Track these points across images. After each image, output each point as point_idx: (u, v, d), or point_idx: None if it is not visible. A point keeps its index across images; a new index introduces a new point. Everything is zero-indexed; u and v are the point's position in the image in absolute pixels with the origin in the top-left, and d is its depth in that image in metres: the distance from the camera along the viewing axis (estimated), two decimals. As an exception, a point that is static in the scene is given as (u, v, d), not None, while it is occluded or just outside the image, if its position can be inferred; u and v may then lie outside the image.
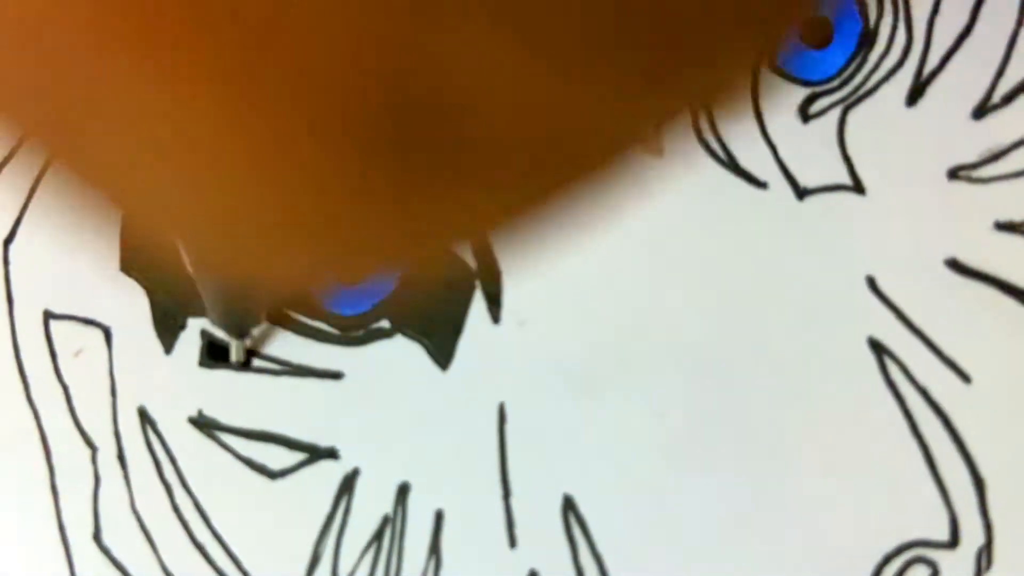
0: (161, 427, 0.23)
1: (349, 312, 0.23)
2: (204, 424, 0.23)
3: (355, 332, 0.23)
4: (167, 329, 0.23)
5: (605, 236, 0.22)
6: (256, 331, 0.23)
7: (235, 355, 0.23)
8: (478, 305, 0.23)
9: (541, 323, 0.23)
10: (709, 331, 0.22)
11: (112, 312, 0.23)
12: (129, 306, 0.23)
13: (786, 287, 0.22)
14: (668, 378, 0.22)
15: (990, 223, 0.22)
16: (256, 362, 0.23)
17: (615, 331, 0.22)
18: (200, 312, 0.23)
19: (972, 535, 0.21)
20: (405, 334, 0.23)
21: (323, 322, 0.23)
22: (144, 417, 0.23)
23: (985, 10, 0.22)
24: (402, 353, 0.23)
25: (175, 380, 0.23)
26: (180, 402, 0.23)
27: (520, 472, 0.22)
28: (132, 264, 0.24)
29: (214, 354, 0.23)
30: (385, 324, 0.23)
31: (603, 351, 0.22)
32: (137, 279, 0.24)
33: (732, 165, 0.23)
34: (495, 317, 0.23)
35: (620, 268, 0.22)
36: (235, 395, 0.23)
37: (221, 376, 0.23)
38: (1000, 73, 0.22)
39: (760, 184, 0.22)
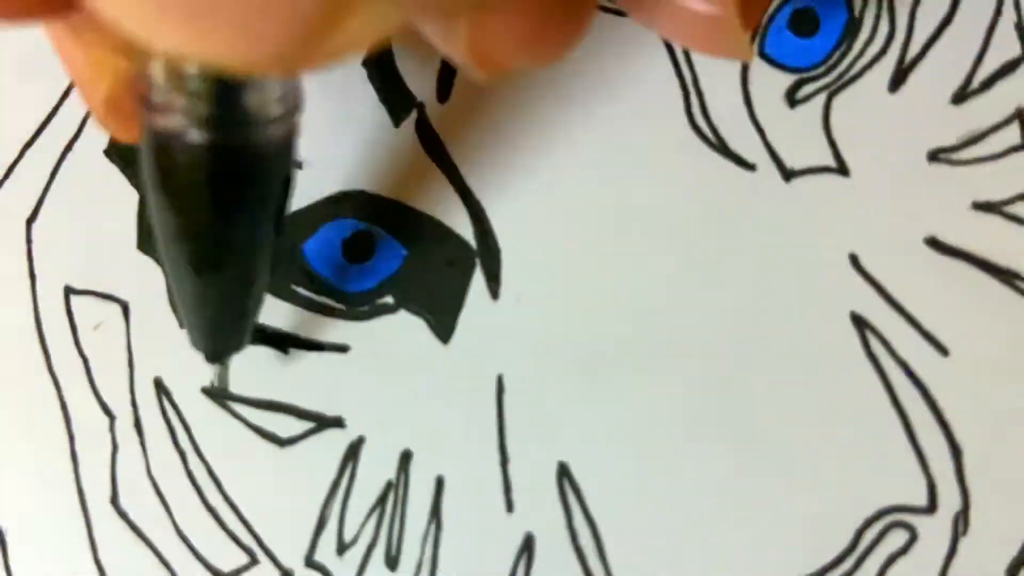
0: (176, 397, 0.24)
1: (355, 288, 0.24)
2: (216, 394, 0.24)
3: (361, 308, 0.24)
4: (182, 304, 0.24)
5: (598, 215, 0.23)
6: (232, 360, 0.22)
7: (217, 381, 0.23)
8: (478, 282, 0.24)
9: (538, 299, 0.23)
10: (699, 306, 0.23)
11: (130, 288, 0.24)
12: (146, 282, 0.24)
13: (773, 264, 0.23)
14: (659, 351, 0.23)
15: (968, 203, 0.22)
16: (266, 335, 0.24)
17: (609, 307, 0.23)
18: (213, 288, 0.24)
19: (949, 501, 0.21)
20: (408, 309, 0.24)
21: (331, 298, 0.24)
22: (160, 387, 0.24)
23: (965, 1, 0.23)
24: (405, 328, 0.23)
25: (189, 352, 0.24)
26: (194, 373, 0.24)
27: (517, 441, 0.23)
28: (149, 242, 0.25)
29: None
30: (389, 300, 0.24)
31: (597, 326, 0.23)
32: (154, 257, 0.24)
33: (722, 148, 0.23)
34: (494, 293, 0.23)
35: (613, 246, 0.23)
36: (246, 366, 0.24)
37: (233, 349, 0.24)
38: (979, 60, 0.23)
39: (749, 166, 0.23)
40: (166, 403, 0.24)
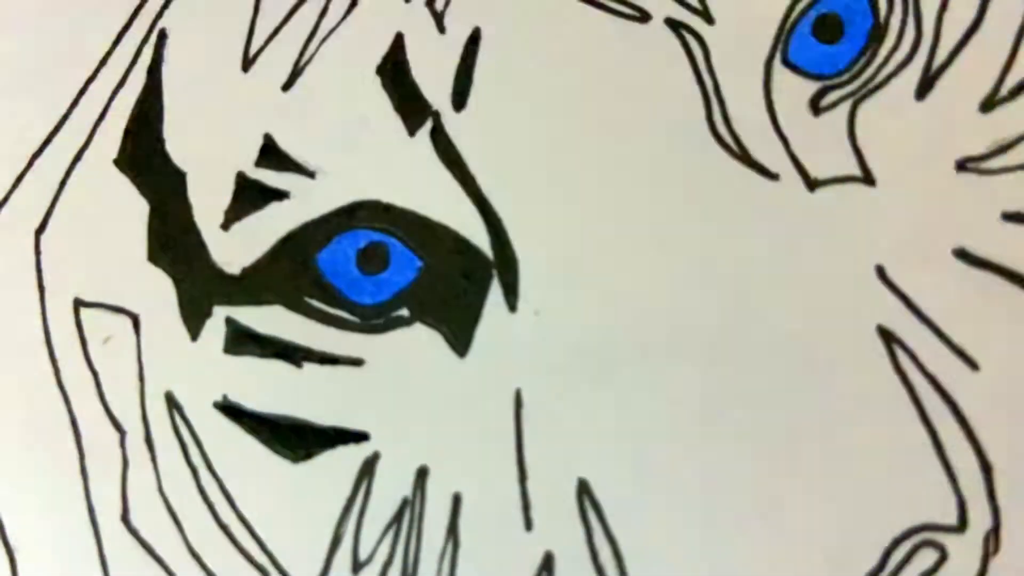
0: (187, 411, 0.23)
1: (370, 301, 0.23)
2: (228, 409, 0.23)
3: (376, 320, 0.22)
4: (193, 316, 0.23)
5: (618, 225, 0.22)
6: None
7: None
8: (495, 294, 0.22)
9: (556, 312, 0.22)
10: (722, 319, 0.22)
11: (140, 300, 0.23)
12: (157, 294, 0.23)
13: (797, 276, 0.21)
14: (681, 366, 0.22)
15: (998, 214, 0.21)
16: (279, 349, 0.23)
17: (628, 320, 0.22)
18: (225, 300, 0.23)
19: (980, 519, 0.20)
20: (424, 322, 0.22)
21: (345, 311, 0.23)
22: (171, 402, 0.23)
23: (993, 5, 0.22)
24: (421, 341, 0.22)
25: (201, 366, 0.23)
26: (205, 387, 0.23)
27: (536, 457, 0.22)
28: (159, 254, 0.23)
29: (239, 340, 0.23)
30: (405, 313, 0.22)
31: (616, 339, 0.22)
32: (164, 268, 0.23)
33: (744, 157, 0.22)
34: (511, 306, 0.22)
35: (634, 258, 0.22)
36: (259, 380, 0.23)
37: (245, 362, 0.23)
38: (1008, 67, 0.22)
39: (772, 176, 0.22)
40: (177, 418, 0.23)
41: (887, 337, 0.21)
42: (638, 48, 0.23)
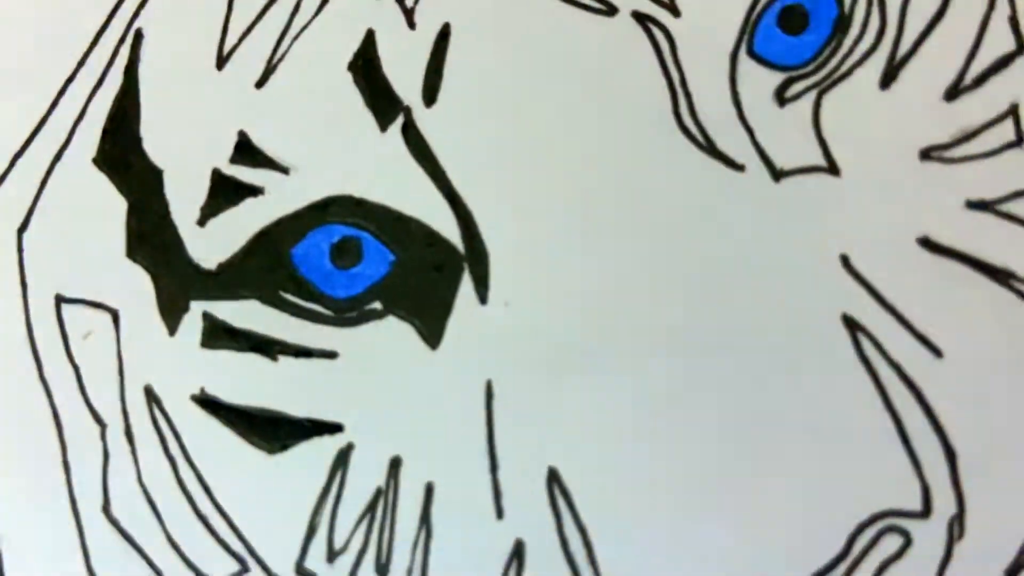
0: (166, 404, 0.23)
1: (343, 295, 0.23)
2: (206, 401, 0.23)
3: (349, 314, 0.23)
4: (171, 311, 0.23)
5: (587, 218, 0.22)
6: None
7: None
8: (466, 286, 0.23)
9: (526, 303, 0.22)
10: (689, 309, 0.22)
11: (119, 296, 0.23)
12: (135, 290, 0.23)
13: (763, 266, 0.21)
14: (649, 355, 0.22)
15: (961, 202, 0.21)
16: (255, 343, 0.23)
17: (597, 311, 0.22)
18: (202, 295, 0.23)
19: (944, 505, 0.20)
20: (397, 315, 0.23)
21: (319, 304, 0.23)
22: (150, 395, 0.23)
23: (957, -6, 0.22)
24: (393, 333, 0.22)
25: (179, 360, 0.23)
26: (184, 381, 0.23)
27: (507, 446, 0.22)
28: (137, 250, 0.24)
29: (216, 334, 0.23)
30: (377, 306, 0.23)
31: (586, 330, 0.22)
32: (143, 264, 0.23)
33: (711, 149, 0.22)
34: (482, 298, 0.22)
35: (602, 249, 0.22)
36: (235, 374, 0.23)
37: (222, 356, 0.23)
38: (972, 56, 0.22)
39: (738, 167, 0.22)
40: (156, 411, 0.23)
41: (852, 326, 0.21)
42: (605, 41, 0.23)
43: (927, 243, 0.21)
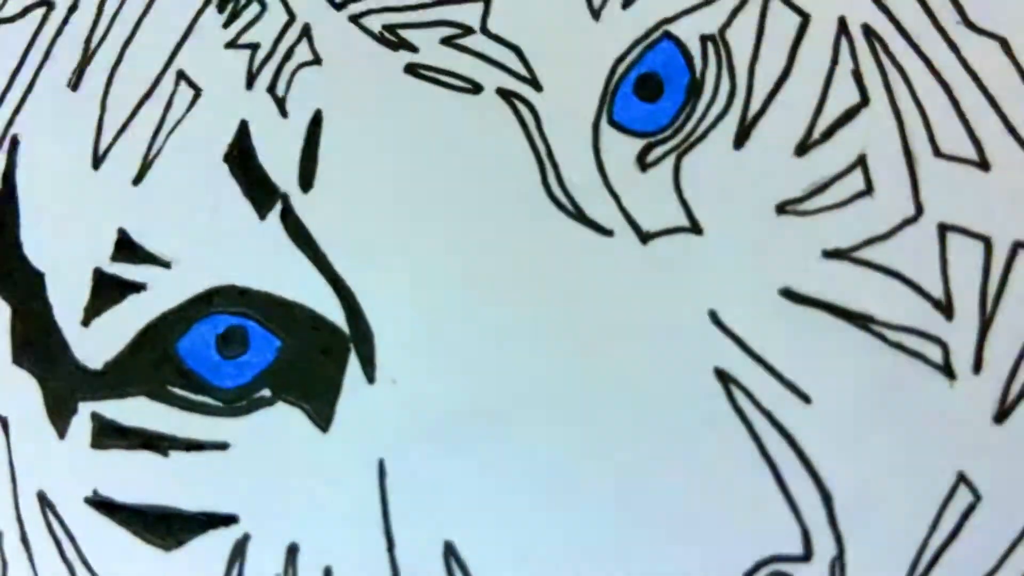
0: (60, 509, 0.23)
1: (232, 384, 0.23)
2: (100, 503, 0.23)
3: (238, 403, 0.23)
4: (59, 415, 0.23)
5: (466, 291, 0.23)
6: None
7: None
8: (353, 367, 0.23)
9: (413, 380, 0.22)
10: (570, 374, 0.22)
11: (8, 403, 0.23)
12: (23, 396, 0.23)
13: (637, 326, 0.22)
14: (536, 422, 0.22)
15: (818, 252, 0.22)
16: (145, 440, 0.23)
17: (483, 382, 0.22)
18: (90, 396, 0.23)
19: (824, 547, 0.21)
20: (286, 401, 0.23)
21: (208, 396, 0.23)
22: (43, 500, 0.23)
23: (801, 53, 0.23)
24: (284, 419, 0.22)
25: (70, 463, 0.23)
26: (76, 483, 0.23)
27: (402, 524, 0.22)
28: (23, 355, 0.23)
29: (106, 434, 0.23)
30: (266, 393, 0.23)
31: (472, 401, 0.22)
32: (29, 369, 0.23)
33: (580, 216, 0.23)
34: (370, 377, 0.23)
35: (483, 321, 0.22)
36: (127, 472, 0.23)
37: (113, 455, 0.23)
38: (818, 111, 0.22)
39: (607, 232, 0.22)
40: (51, 516, 0.23)
41: (724, 378, 0.22)
42: (473, 119, 0.23)
43: (789, 293, 0.22)
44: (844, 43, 0.23)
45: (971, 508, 0.21)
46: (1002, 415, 0.21)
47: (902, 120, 0.22)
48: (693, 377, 0.22)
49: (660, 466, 0.21)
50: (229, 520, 0.22)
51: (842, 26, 0.23)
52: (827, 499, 0.21)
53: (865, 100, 0.22)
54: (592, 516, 0.21)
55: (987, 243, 0.22)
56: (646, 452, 0.22)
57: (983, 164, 0.22)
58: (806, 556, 0.21)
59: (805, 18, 0.23)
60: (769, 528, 0.21)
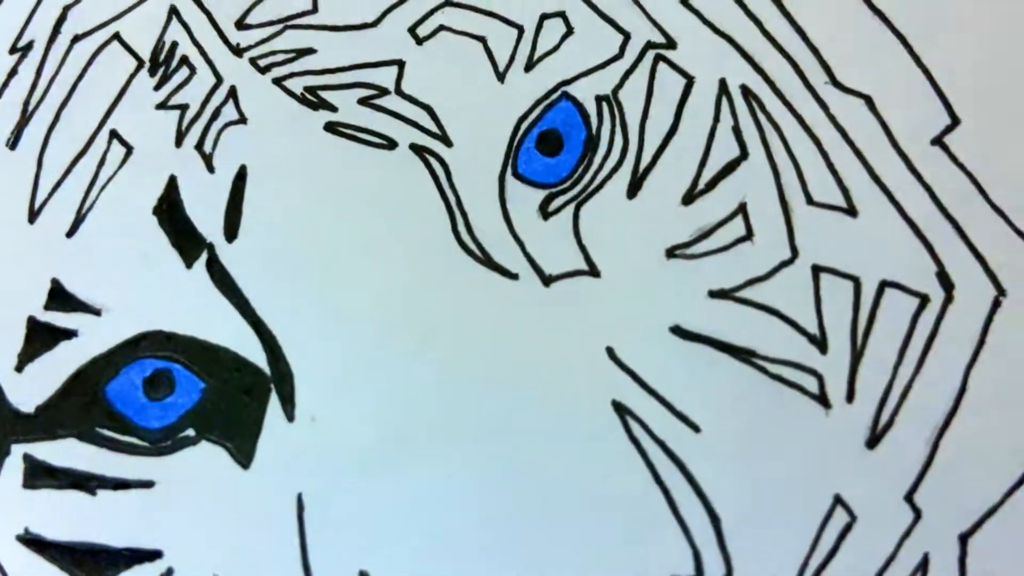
0: (-9, 548, 0.24)
1: (158, 425, 0.24)
2: (31, 541, 0.23)
3: (164, 443, 0.24)
4: (-8, 457, 0.24)
5: (380, 332, 0.24)
6: None
7: None
8: (274, 406, 0.24)
9: (330, 417, 0.24)
10: (476, 406, 0.23)
11: (-59, 446, 0.24)
12: (-43, 439, 0.24)
13: (540, 362, 0.23)
14: (445, 455, 0.23)
15: (704, 292, 0.24)
16: (74, 479, 0.24)
17: (393, 415, 0.23)
18: (22, 438, 0.24)
19: (714, 567, 0.22)
20: (209, 440, 0.24)
21: (135, 436, 0.24)
22: (-25, 540, 0.24)
23: (686, 112, 0.25)
24: (207, 457, 0.24)
25: (3, 502, 0.24)
26: (8, 522, 0.23)
27: (319, 555, 0.23)
28: (-41, 399, 0.24)
29: (37, 475, 0.24)
30: (191, 432, 0.24)
31: (386, 437, 0.23)
32: (-37, 412, 0.24)
33: (488, 261, 0.24)
34: (289, 416, 0.24)
35: (397, 360, 0.24)
36: (57, 511, 0.23)
37: (44, 495, 0.24)
38: (703, 164, 0.24)
39: (512, 276, 0.24)
40: (-18, 555, 0.24)
41: (620, 410, 0.23)
42: (388, 172, 0.25)
43: (679, 330, 0.24)
44: (725, 102, 0.25)
45: (847, 528, 0.22)
46: (873, 441, 0.23)
47: (778, 171, 0.24)
48: (592, 409, 0.23)
49: (562, 494, 0.23)
50: (154, 555, 0.23)
51: (723, 87, 0.25)
52: (716, 521, 0.22)
53: (744, 154, 0.24)
54: (498, 543, 0.23)
55: (856, 282, 0.23)
56: (549, 480, 0.23)
57: (851, 211, 0.24)
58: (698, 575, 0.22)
59: (690, 80, 0.25)
60: (663, 550, 0.22)
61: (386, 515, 0.23)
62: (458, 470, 0.23)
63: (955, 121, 0.24)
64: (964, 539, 0.22)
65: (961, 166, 0.24)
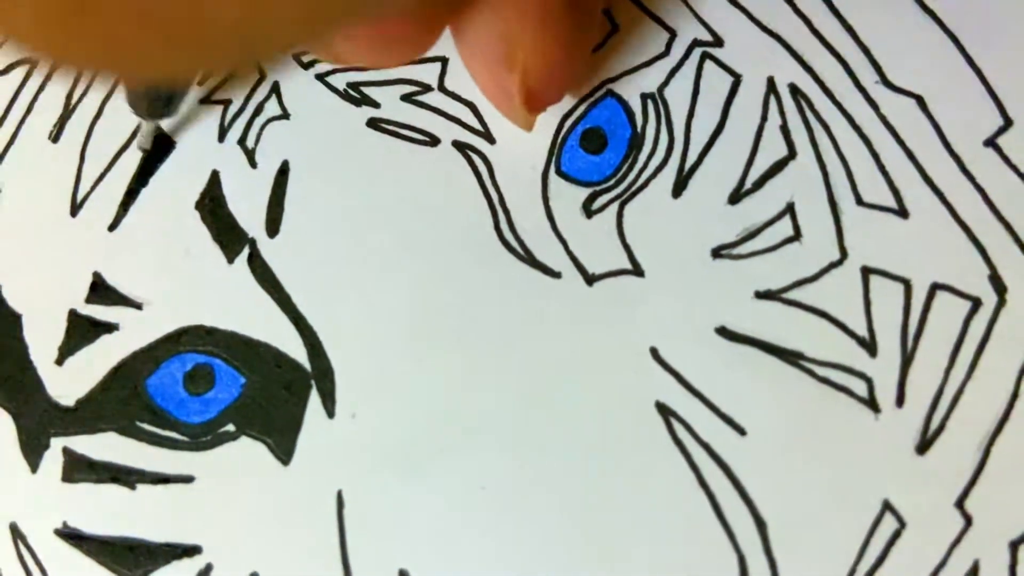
0: (31, 541, 0.23)
1: (198, 420, 0.23)
2: (69, 535, 0.23)
3: (204, 438, 0.23)
4: (32, 450, 0.23)
5: (422, 329, 0.23)
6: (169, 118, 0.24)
7: (142, 141, 0.24)
8: (314, 402, 0.23)
9: (371, 414, 0.23)
10: (518, 408, 0.22)
11: (-19, 438, 0.24)
12: (-2, 431, 0.24)
13: (582, 362, 0.23)
14: (485, 454, 0.22)
15: (751, 293, 0.23)
16: (114, 474, 0.23)
17: (438, 416, 0.23)
18: (62, 431, 0.23)
19: (760, 573, 0.21)
20: (249, 435, 0.23)
21: (174, 431, 0.23)
22: (15, 533, 0.23)
23: (733, 111, 0.24)
24: (247, 453, 0.23)
25: (41, 496, 0.23)
26: (47, 516, 0.23)
27: (359, 553, 0.22)
28: (-1, 391, 0.24)
29: (76, 468, 0.23)
30: (231, 428, 0.23)
31: (427, 435, 0.23)
32: (4, 406, 0.23)
33: (530, 260, 0.23)
34: (330, 412, 0.23)
35: (439, 358, 0.23)
36: (96, 505, 0.23)
37: (83, 488, 0.23)
38: (750, 163, 0.23)
39: (555, 274, 0.23)
40: (22, 548, 0.23)
41: (664, 411, 0.22)
42: (430, 169, 0.24)
43: (724, 332, 0.23)
44: (773, 101, 0.24)
45: (896, 534, 0.21)
46: (924, 446, 0.22)
47: (827, 171, 0.23)
48: (635, 410, 0.22)
49: (604, 495, 0.22)
50: (193, 551, 0.22)
51: (771, 86, 0.24)
52: (762, 526, 0.21)
53: (792, 153, 0.23)
54: (540, 544, 0.22)
55: (907, 285, 0.23)
56: (591, 482, 0.22)
57: (902, 212, 0.23)
58: (742, 581, 0.21)
59: (737, 78, 0.24)
60: (707, 555, 0.21)
61: (426, 513, 0.22)
62: (498, 469, 0.22)
63: (1008, 122, 0.23)
64: (1015, 546, 0.21)
65: (1014, 168, 0.23)
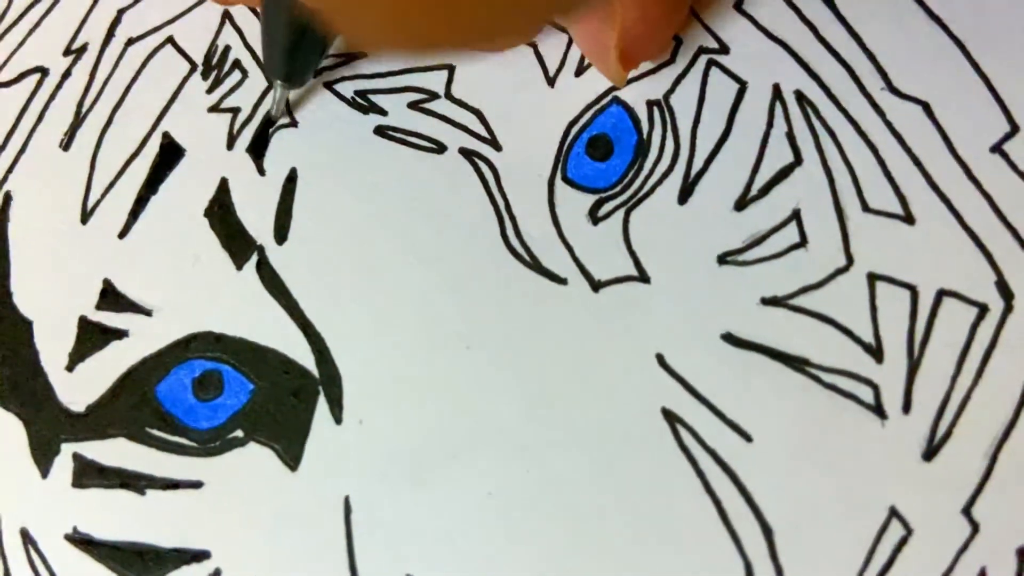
0: (41, 545, 0.23)
1: (207, 426, 0.23)
2: (79, 540, 0.23)
3: (212, 444, 0.23)
4: (43, 455, 0.23)
5: (428, 336, 0.23)
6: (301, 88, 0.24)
7: (275, 109, 0.24)
8: (322, 408, 0.23)
9: (378, 420, 0.23)
10: (524, 414, 0.22)
11: (-7, 444, 0.24)
12: (9, 437, 0.23)
13: (588, 368, 0.22)
14: (492, 460, 0.22)
15: (757, 299, 0.23)
16: (123, 479, 0.23)
17: (443, 422, 0.22)
18: (72, 437, 0.23)
19: (766, 579, 0.21)
20: (257, 441, 0.23)
21: (183, 437, 0.23)
22: (26, 537, 0.23)
23: (739, 118, 0.24)
24: (255, 459, 0.23)
25: (51, 501, 0.23)
26: (57, 521, 0.23)
27: (366, 558, 0.22)
28: (10, 398, 0.24)
29: (86, 474, 0.23)
30: (239, 433, 0.23)
31: (433, 441, 0.22)
32: (14, 412, 0.23)
33: (536, 266, 0.23)
34: (337, 418, 0.23)
35: (445, 364, 0.23)
36: (106, 510, 0.23)
37: (93, 494, 0.23)
38: (755, 170, 0.23)
39: (561, 281, 0.23)
40: (32, 552, 0.23)
41: (670, 417, 0.22)
42: (437, 176, 0.24)
43: (730, 338, 0.22)
44: (779, 108, 0.24)
45: (903, 541, 0.21)
46: (931, 453, 0.22)
47: (833, 178, 0.23)
48: (641, 417, 0.22)
49: (610, 501, 0.22)
50: (202, 556, 0.22)
51: (776, 92, 0.24)
52: (768, 532, 0.21)
53: (798, 160, 0.23)
54: (546, 549, 0.22)
55: (913, 291, 0.22)
56: (597, 488, 0.22)
57: (908, 218, 0.23)
58: (748, 588, 0.21)
59: (743, 85, 0.24)
60: (714, 561, 0.21)
61: (433, 519, 0.22)
62: (505, 475, 0.22)
63: (1015, 128, 0.23)
64: (1022, 553, 0.21)
65: (1021, 173, 0.23)
